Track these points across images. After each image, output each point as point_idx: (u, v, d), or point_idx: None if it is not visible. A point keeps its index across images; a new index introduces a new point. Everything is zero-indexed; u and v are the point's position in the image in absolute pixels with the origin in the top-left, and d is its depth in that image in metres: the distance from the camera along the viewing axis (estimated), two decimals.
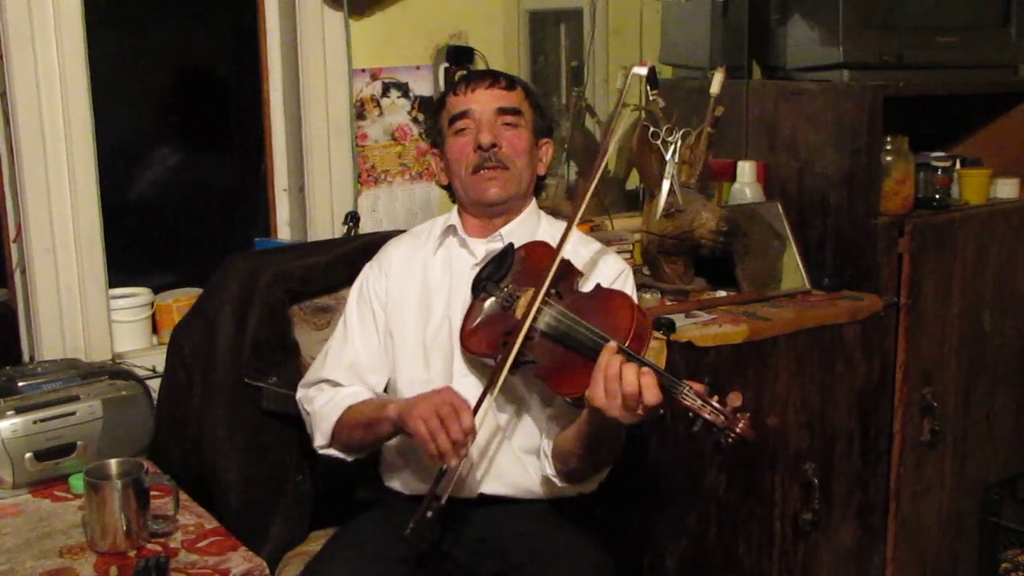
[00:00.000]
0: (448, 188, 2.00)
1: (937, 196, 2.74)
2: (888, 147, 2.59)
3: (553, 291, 1.76)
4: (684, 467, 2.26)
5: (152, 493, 1.76)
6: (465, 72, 2.04)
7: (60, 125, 2.21)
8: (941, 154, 2.81)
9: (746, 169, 2.67)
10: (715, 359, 2.24)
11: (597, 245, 1.99)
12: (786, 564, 2.46)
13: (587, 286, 1.83)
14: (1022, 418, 2.95)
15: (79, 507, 1.82)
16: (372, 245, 2.18)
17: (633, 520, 2.22)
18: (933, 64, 2.72)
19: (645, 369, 1.56)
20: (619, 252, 2.24)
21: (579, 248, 1.94)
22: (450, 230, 1.98)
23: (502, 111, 1.90)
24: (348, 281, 2.22)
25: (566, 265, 1.81)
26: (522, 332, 1.71)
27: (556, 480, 1.82)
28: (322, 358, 2.00)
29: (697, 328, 2.25)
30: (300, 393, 2.01)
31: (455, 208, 2.00)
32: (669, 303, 2.40)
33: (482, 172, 1.89)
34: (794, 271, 2.57)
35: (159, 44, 2.62)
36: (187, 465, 2.05)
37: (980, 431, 2.85)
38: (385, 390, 1.97)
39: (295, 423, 2.05)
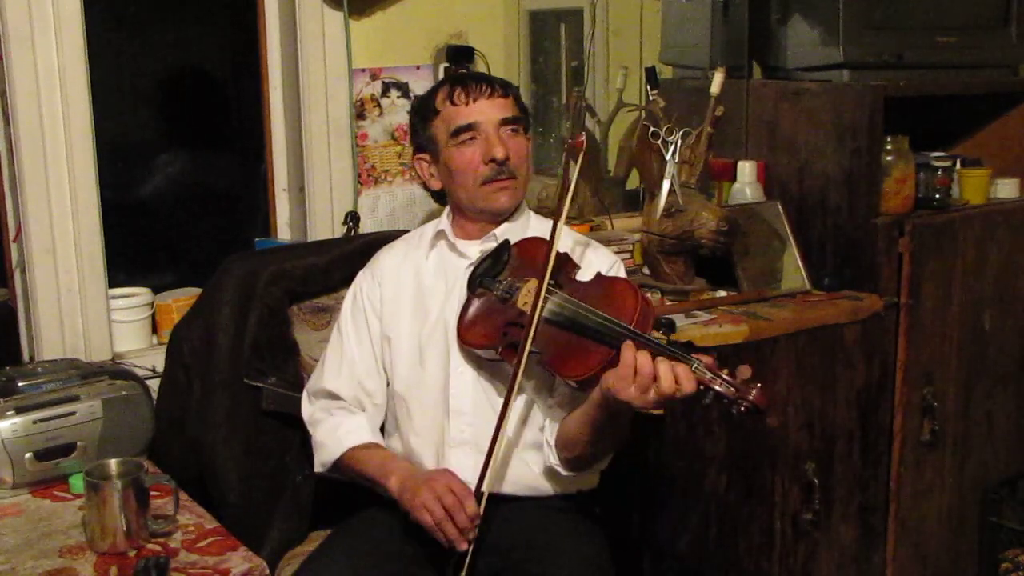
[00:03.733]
0: (438, 193, 2.01)
1: (937, 196, 2.74)
2: (888, 147, 2.59)
3: (552, 282, 1.77)
4: (684, 467, 2.26)
5: (152, 493, 1.75)
6: (455, 76, 2.02)
7: (60, 125, 2.20)
8: (941, 154, 2.81)
9: (746, 169, 2.66)
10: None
11: (588, 240, 2.02)
12: (786, 564, 2.46)
13: (584, 276, 1.84)
14: (1022, 418, 2.95)
15: (79, 507, 1.81)
16: (372, 245, 2.18)
17: (633, 520, 2.22)
18: (933, 64, 2.72)
19: (661, 358, 1.59)
20: (619, 252, 2.25)
21: (571, 243, 1.96)
22: (440, 235, 1.98)
23: (505, 121, 1.91)
24: (348, 281, 2.22)
25: (562, 256, 1.83)
26: (535, 317, 1.72)
27: (560, 469, 1.82)
28: (320, 367, 2.02)
29: (697, 328, 2.25)
30: (305, 411, 2.02)
31: (444, 212, 2.01)
32: (669, 303, 2.40)
33: (493, 183, 1.89)
34: (794, 271, 2.57)
35: (159, 44, 2.61)
36: (187, 465, 2.04)
37: (980, 431, 2.85)
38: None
39: (295, 423, 2.05)
